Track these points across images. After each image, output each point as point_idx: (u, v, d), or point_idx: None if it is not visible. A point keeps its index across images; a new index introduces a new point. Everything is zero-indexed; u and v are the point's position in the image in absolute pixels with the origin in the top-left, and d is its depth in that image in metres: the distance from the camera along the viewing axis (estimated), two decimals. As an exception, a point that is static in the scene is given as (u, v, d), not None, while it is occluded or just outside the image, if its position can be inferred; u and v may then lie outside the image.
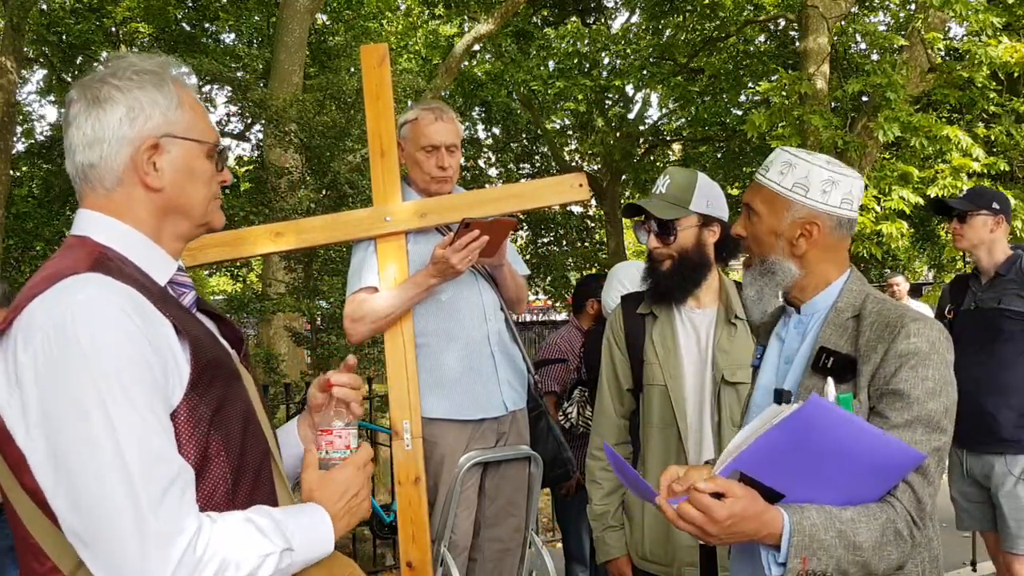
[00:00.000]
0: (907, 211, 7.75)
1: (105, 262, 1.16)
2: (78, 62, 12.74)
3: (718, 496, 1.30)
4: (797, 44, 10.16)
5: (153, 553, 1.03)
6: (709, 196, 2.25)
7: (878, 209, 7.74)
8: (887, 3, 10.70)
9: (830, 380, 1.47)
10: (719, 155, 14.06)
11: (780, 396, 1.58)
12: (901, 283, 7.37)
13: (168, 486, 1.06)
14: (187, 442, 1.14)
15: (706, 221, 2.24)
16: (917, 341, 1.45)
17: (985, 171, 7.76)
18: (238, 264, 8.00)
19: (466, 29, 12.69)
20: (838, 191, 1.57)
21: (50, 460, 1.06)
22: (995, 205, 3.28)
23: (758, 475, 1.35)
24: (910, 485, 1.40)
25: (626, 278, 3.36)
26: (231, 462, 1.21)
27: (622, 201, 16.46)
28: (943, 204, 3.47)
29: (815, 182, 1.58)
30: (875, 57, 9.69)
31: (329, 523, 1.25)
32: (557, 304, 16.56)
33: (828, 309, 1.60)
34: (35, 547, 1.12)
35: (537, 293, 16.54)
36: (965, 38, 8.54)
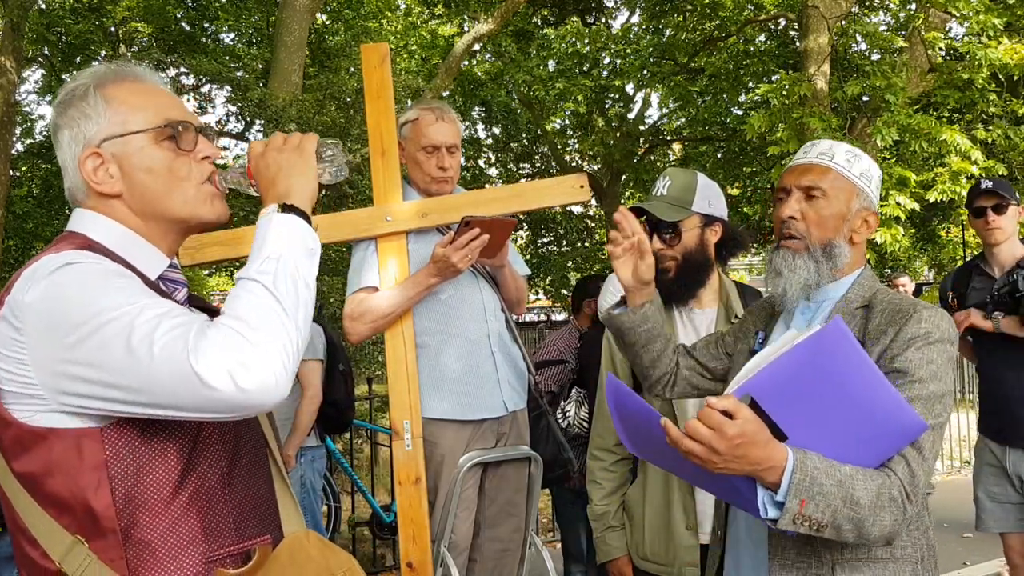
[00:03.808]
0: (902, 217, 7.75)
1: (90, 248, 1.19)
2: (78, 62, 12.73)
3: (727, 416, 1.26)
4: (797, 44, 10.16)
5: (212, 379, 1.03)
6: (710, 196, 2.25)
7: (875, 217, 7.72)
8: (887, 3, 10.70)
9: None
10: (719, 155, 14.05)
11: None
12: (907, 284, 7.36)
13: (196, 330, 1.05)
14: (180, 423, 1.15)
15: (707, 221, 2.24)
16: (927, 326, 1.48)
17: (983, 174, 7.76)
18: (237, 264, 8.00)
19: (466, 29, 12.70)
20: (878, 190, 1.66)
21: (107, 387, 1.07)
22: (1017, 196, 3.26)
23: (768, 404, 1.31)
24: (905, 458, 1.40)
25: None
26: (225, 446, 1.21)
27: (622, 201, 16.46)
28: (977, 194, 3.30)
29: (874, 178, 1.65)
30: (875, 57, 9.69)
31: (268, 214, 1.21)
32: (556, 304, 16.56)
33: (838, 299, 1.62)
34: (27, 532, 1.13)
35: (537, 293, 16.55)
36: (965, 38, 8.53)
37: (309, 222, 1.22)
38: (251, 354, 1.04)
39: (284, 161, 1.26)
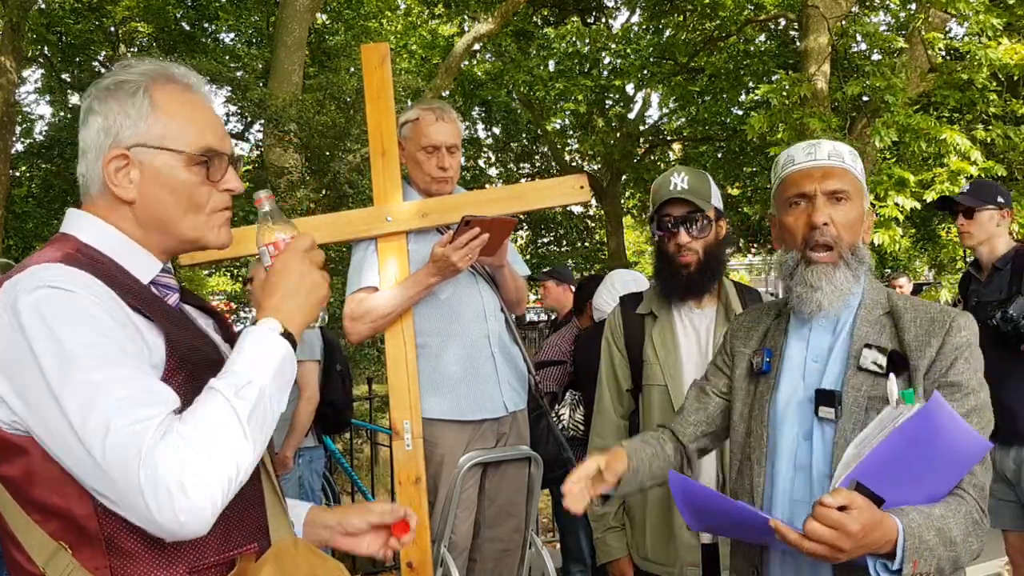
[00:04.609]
0: (900, 218, 7.74)
1: (77, 257, 1.16)
2: (77, 62, 12.74)
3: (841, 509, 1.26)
4: (798, 44, 10.16)
5: (153, 502, 1.01)
6: (718, 191, 2.26)
7: (873, 216, 7.72)
8: (887, 3, 10.70)
9: (892, 377, 1.45)
10: (719, 155, 14.06)
11: (831, 397, 1.51)
12: (905, 284, 7.35)
13: (153, 433, 1.02)
14: None
15: (718, 215, 2.24)
16: (967, 333, 1.49)
17: (983, 175, 7.76)
18: (237, 264, 8.01)
19: (466, 29, 12.70)
20: None
21: (40, 428, 1.06)
22: (999, 199, 3.28)
23: (873, 483, 1.32)
24: (974, 474, 1.42)
25: (619, 284, 3.37)
26: None
27: (623, 201, 16.47)
28: (949, 201, 3.46)
29: (864, 177, 1.62)
30: (876, 58, 9.69)
31: (262, 330, 1.18)
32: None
33: (856, 306, 1.58)
34: (13, 536, 1.12)
35: (537, 293, 16.55)
36: (965, 38, 8.53)
37: (295, 350, 1.20)
38: (199, 486, 1.02)
39: (310, 284, 1.24)
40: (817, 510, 1.26)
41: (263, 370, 1.13)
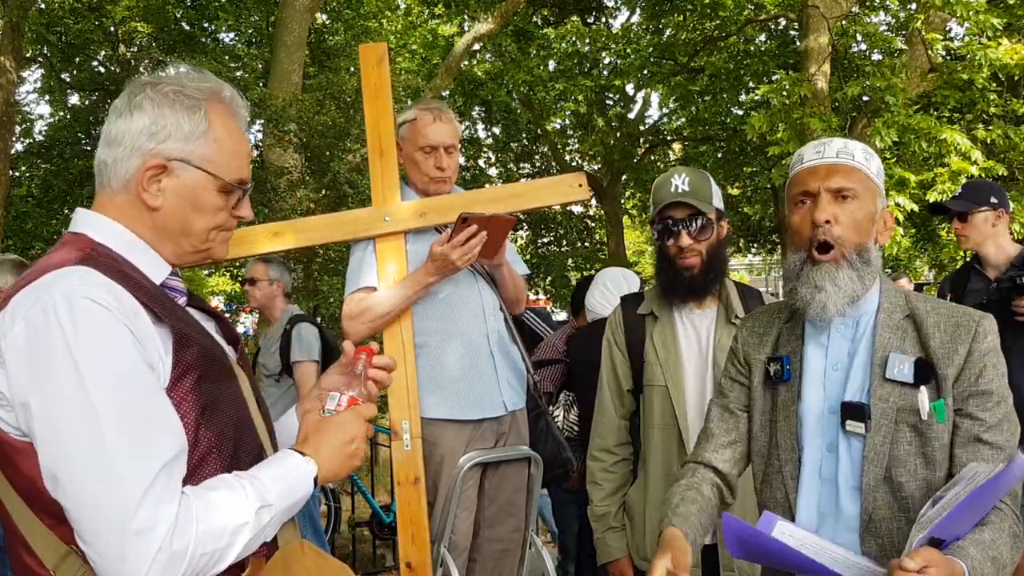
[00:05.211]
0: (900, 219, 7.74)
1: (94, 256, 1.16)
2: (77, 62, 12.73)
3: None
4: (797, 44, 10.16)
5: (130, 550, 1.02)
6: (719, 192, 2.26)
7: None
8: (887, 3, 10.70)
9: (923, 389, 1.42)
10: (719, 155, 14.06)
11: (860, 411, 1.47)
12: (905, 285, 7.35)
13: (152, 478, 1.04)
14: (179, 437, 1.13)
15: (719, 216, 2.24)
16: (992, 338, 1.46)
17: (983, 175, 7.76)
18: (237, 264, 8.01)
19: (466, 29, 12.70)
20: None
21: (39, 444, 1.06)
22: (993, 199, 3.24)
23: (944, 535, 1.31)
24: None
25: (610, 283, 3.37)
26: (223, 461, 1.20)
27: (623, 201, 16.47)
28: (942, 207, 3.44)
29: (882, 177, 1.58)
30: (876, 57, 9.69)
31: (306, 466, 1.23)
32: (556, 304, 16.55)
33: (874, 311, 1.54)
34: (23, 539, 1.12)
35: (537, 293, 16.54)
36: (965, 39, 8.53)
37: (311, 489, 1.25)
38: (180, 553, 1.04)
39: (352, 450, 1.30)
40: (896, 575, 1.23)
41: (284, 501, 1.18)
